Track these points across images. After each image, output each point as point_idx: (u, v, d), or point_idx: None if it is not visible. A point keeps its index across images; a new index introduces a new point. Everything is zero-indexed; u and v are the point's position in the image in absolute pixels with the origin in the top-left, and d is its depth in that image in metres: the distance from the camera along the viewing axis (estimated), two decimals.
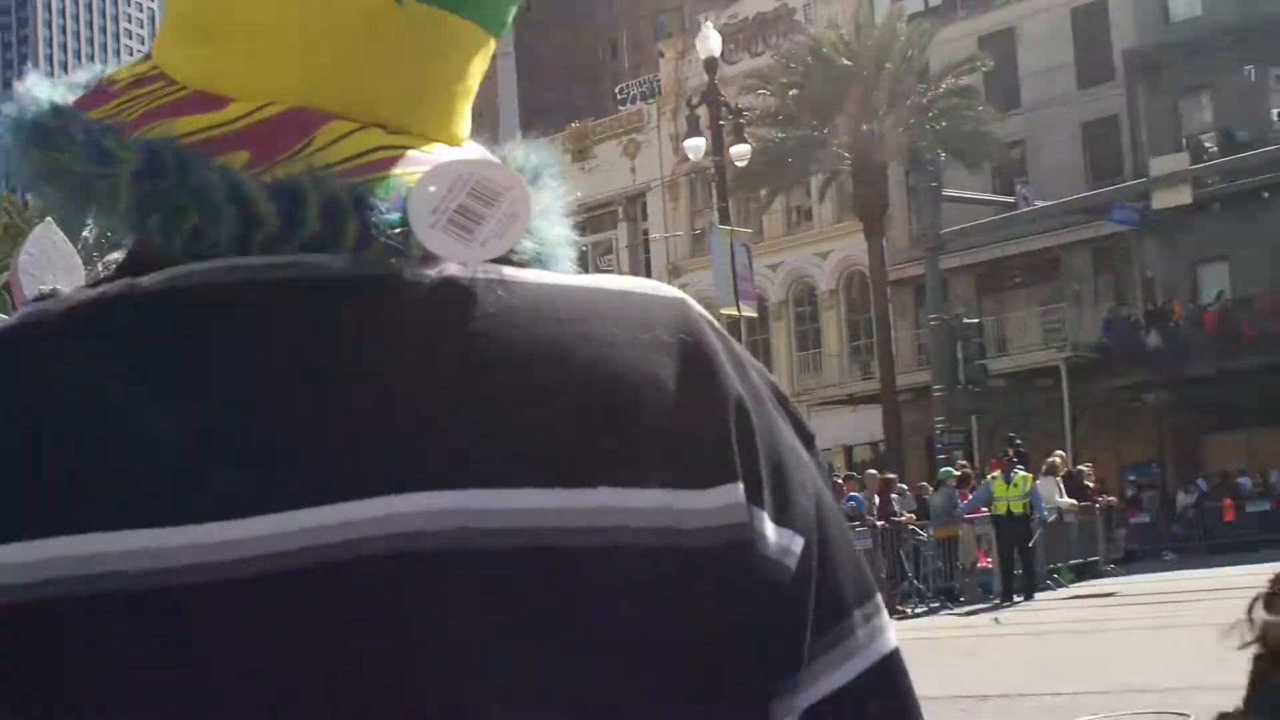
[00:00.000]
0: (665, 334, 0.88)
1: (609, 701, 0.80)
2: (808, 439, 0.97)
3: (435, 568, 0.77)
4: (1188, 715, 9.67)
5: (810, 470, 0.94)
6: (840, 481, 23.17)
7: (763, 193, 37.50)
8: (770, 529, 0.87)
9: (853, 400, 40.53)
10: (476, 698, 0.77)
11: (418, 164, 0.86)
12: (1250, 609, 0.74)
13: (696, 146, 28.34)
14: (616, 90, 52.80)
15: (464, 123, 0.93)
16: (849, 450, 42.33)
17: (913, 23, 37.51)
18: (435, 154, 0.88)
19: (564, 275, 0.89)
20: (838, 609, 0.92)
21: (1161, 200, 28.60)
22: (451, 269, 0.83)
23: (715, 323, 0.92)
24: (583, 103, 56.91)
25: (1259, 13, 36.60)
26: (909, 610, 21.20)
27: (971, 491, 22.55)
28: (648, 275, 44.54)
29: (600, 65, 64.29)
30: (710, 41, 26.77)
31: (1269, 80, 36.60)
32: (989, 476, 21.90)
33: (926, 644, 17.09)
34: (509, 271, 0.85)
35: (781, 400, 0.96)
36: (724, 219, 29.28)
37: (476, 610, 0.77)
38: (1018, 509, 20.92)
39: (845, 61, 35.57)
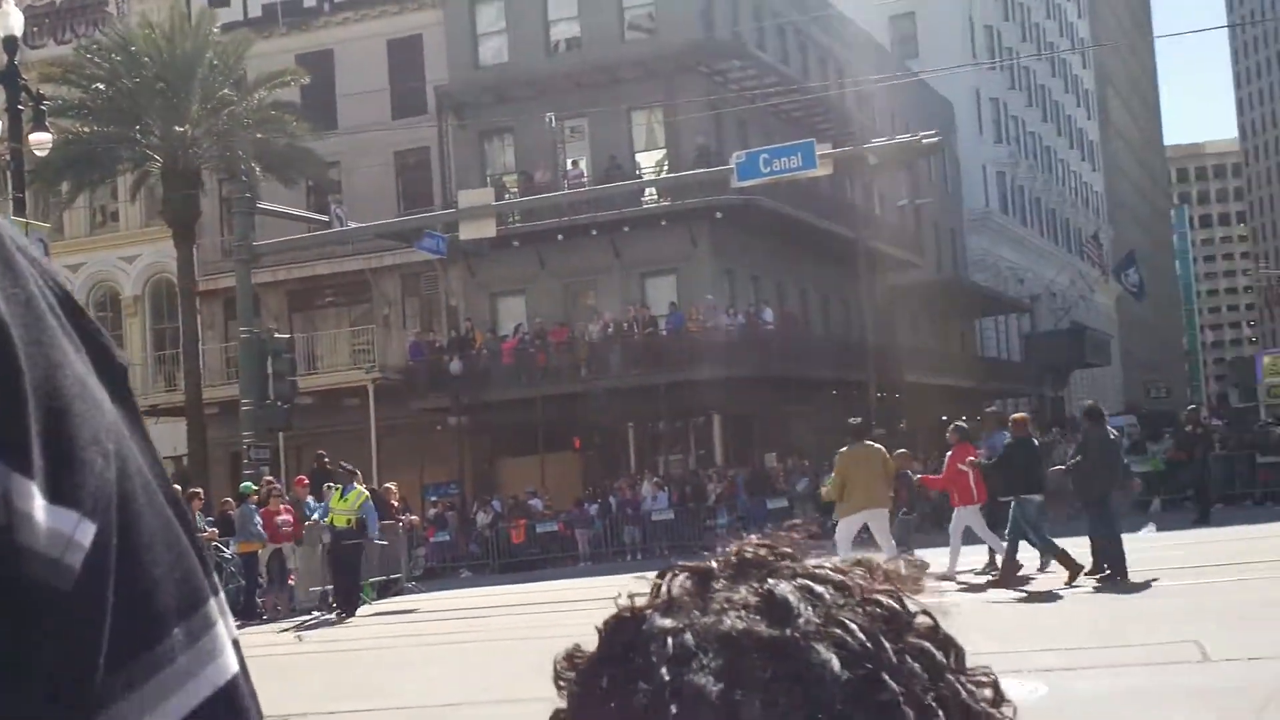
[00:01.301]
0: None
1: None
2: (116, 374, 0.70)
3: None
4: None
5: (109, 417, 0.67)
6: None
7: (64, 187, 35.23)
8: (41, 508, 0.62)
9: (156, 412, 38.77)
10: None
11: None
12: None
13: None
14: None
15: None
16: None
17: (229, 32, 36.89)
18: None
19: None
20: (150, 625, 0.68)
21: (467, 232, 29.63)
22: None
23: None
24: None
25: (558, 68, 39.45)
26: None
27: (281, 509, 22.38)
28: None
29: None
30: (11, 19, 24.77)
31: (565, 131, 39.34)
32: (333, 489, 21.88)
33: None
34: None
35: (75, 314, 0.69)
36: (19, 210, 27.23)
37: None
38: (341, 522, 21.07)
39: (154, 61, 34.30)
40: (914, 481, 19.24)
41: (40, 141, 27.14)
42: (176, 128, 34.29)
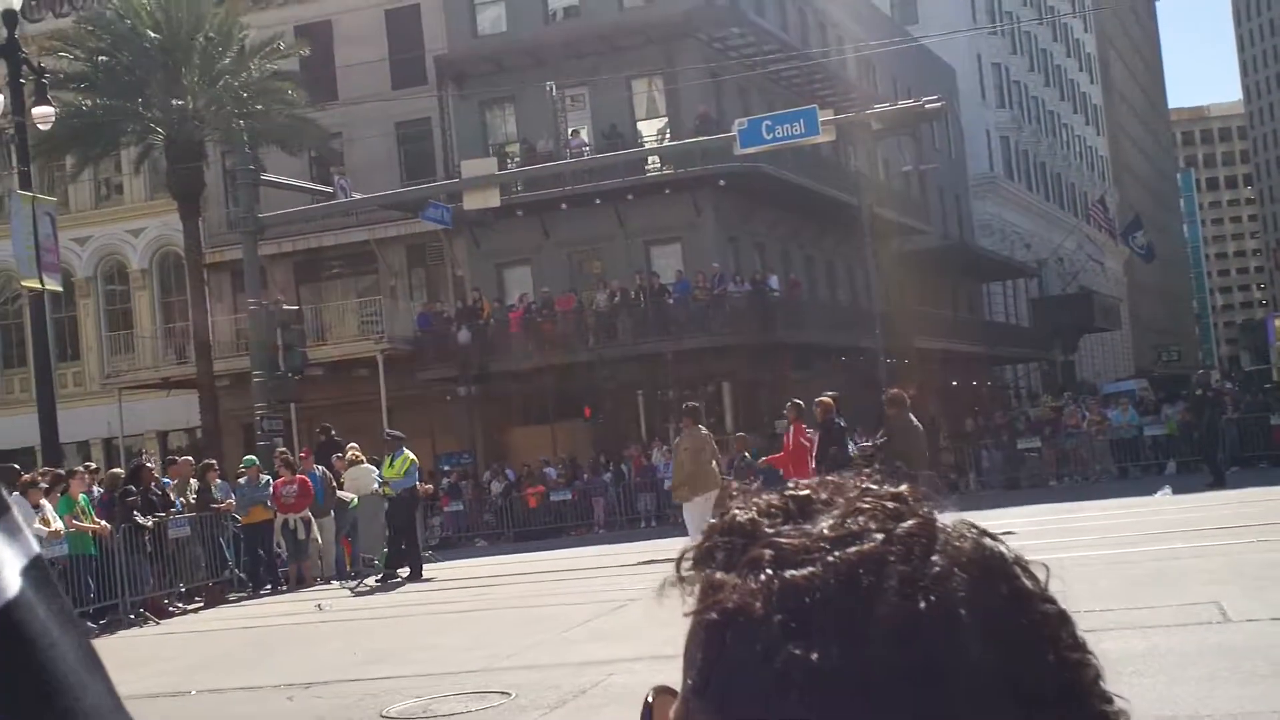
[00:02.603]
0: None
1: None
2: None
3: None
4: (509, 694, 10.12)
5: None
6: (147, 464, 22.51)
7: (69, 161, 35.16)
8: None
9: (168, 384, 39.00)
10: None
11: None
12: (680, 565, 0.70)
13: None
14: None
15: None
16: (164, 436, 40.87)
17: (226, 3, 36.76)
18: None
19: None
20: None
21: (472, 202, 29.54)
22: None
23: None
24: None
25: (558, 37, 39.27)
26: (231, 597, 20.82)
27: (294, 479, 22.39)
28: None
29: None
30: None
31: (565, 100, 39.16)
32: (341, 458, 22.24)
33: (253, 632, 16.76)
34: None
35: None
36: (25, 184, 27.21)
37: None
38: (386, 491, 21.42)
39: (153, 34, 34.17)
40: (752, 465, 20.21)
41: (43, 115, 27.12)
42: (177, 100, 34.20)
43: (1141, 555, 14.84)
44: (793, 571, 0.82)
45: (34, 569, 0.73)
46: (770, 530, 0.86)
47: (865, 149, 46.61)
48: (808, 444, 18.34)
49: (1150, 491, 24.56)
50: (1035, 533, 16.50)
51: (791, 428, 18.87)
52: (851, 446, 19.08)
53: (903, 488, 0.90)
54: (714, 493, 17.60)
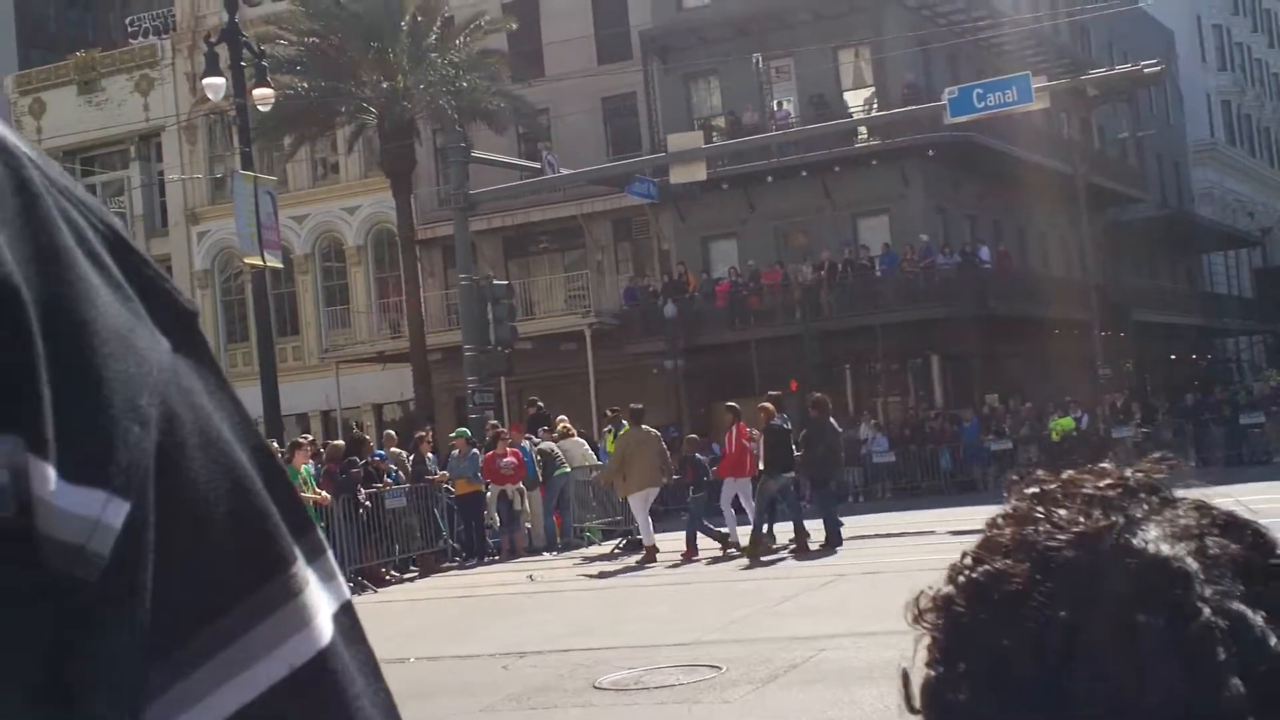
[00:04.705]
0: None
1: None
2: (182, 321, 0.62)
3: None
4: (720, 667, 10.08)
5: (157, 374, 0.59)
6: (365, 436, 23.13)
7: (287, 141, 36.29)
8: (57, 491, 0.54)
9: (382, 358, 40.06)
10: None
11: None
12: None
13: (217, 86, 27.21)
14: (126, 22, 49.67)
15: None
16: (379, 409, 42.00)
17: None
18: None
19: None
20: (203, 603, 0.61)
21: (678, 176, 29.50)
22: None
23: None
24: (88, 32, 53.63)
25: (763, 8, 38.96)
26: (445, 566, 21.26)
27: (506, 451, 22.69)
28: (164, 219, 42.04)
29: None
30: None
31: (771, 71, 38.83)
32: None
33: (467, 601, 17.10)
34: None
35: (128, 257, 0.61)
36: (247, 164, 28.20)
37: None
38: None
39: (364, 14, 34.96)
40: (703, 464, 21.09)
41: (263, 97, 28.01)
42: (386, 82, 34.95)
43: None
44: (948, 587, 0.86)
45: (344, 615, 0.70)
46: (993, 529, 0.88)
47: (1079, 116, 45.15)
48: (750, 445, 19.01)
49: None
50: (1260, 514, 15.77)
51: (734, 429, 19.33)
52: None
53: (1132, 476, 0.86)
54: (655, 489, 19.42)
